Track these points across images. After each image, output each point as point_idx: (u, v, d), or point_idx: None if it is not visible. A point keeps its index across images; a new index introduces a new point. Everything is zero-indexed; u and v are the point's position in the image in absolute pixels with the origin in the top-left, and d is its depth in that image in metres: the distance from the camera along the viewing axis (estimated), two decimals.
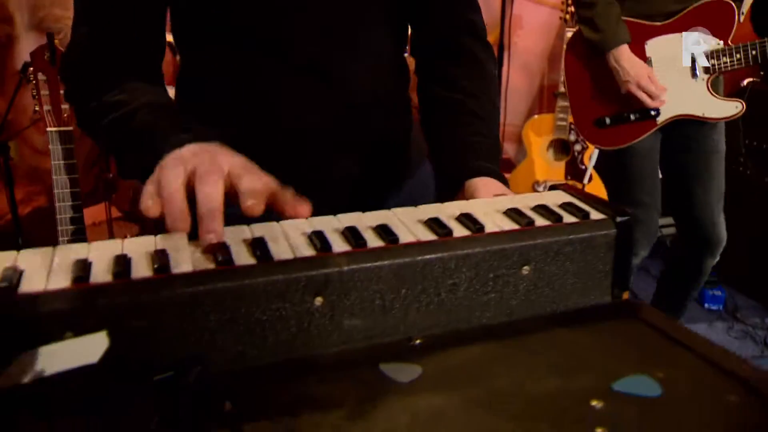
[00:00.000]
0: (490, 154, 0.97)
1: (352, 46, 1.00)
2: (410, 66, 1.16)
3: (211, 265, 0.60)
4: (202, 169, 0.66)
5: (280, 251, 0.62)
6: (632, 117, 2.06)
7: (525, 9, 3.89)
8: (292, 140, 0.98)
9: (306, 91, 0.98)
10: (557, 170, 3.33)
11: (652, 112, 2.02)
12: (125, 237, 0.66)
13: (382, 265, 0.62)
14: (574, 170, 3.30)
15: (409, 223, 0.69)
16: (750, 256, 2.83)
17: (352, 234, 0.64)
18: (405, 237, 0.65)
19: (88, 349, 0.55)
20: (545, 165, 3.34)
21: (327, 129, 1.01)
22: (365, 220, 0.69)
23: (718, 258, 2.20)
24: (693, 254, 2.22)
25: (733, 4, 1.94)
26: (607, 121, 2.09)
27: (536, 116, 3.50)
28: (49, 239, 3.09)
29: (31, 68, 1.88)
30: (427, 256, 0.63)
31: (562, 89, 3.21)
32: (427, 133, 1.08)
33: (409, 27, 1.13)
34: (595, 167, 3.01)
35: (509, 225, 0.69)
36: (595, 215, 0.71)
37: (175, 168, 0.67)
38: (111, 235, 3.16)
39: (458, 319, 0.66)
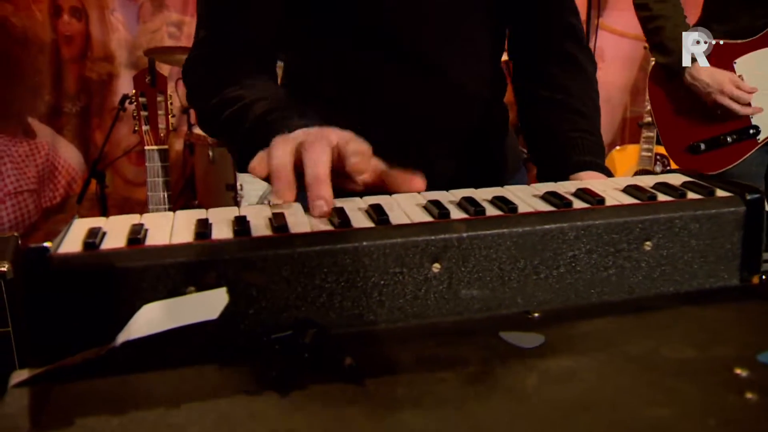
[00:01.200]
0: (594, 150, 0.95)
1: (455, 43, 1.00)
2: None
3: (329, 228, 0.59)
4: (310, 140, 0.66)
5: (397, 217, 0.61)
6: (729, 139, 1.97)
7: (607, 41, 3.85)
8: (394, 133, 0.99)
9: (409, 85, 0.98)
10: None
11: (751, 131, 1.93)
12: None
13: (502, 233, 0.60)
14: None
15: (525, 197, 0.67)
16: None
17: (469, 203, 0.63)
18: (523, 208, 0.64)
19: (208, 304, 0.55)
20: None
21: (428, 125, 1.01)
22: (480, 194, 0.68)
23: None
24: None
25: None
26: (702, 146, 2.01)
27: (619, 147, 3.42)
28: None
29: (133, 91, 1.97)
30: (547, 226, 0.61)
31: (646, 119, 3.14)
32: (528, 132, 1.07)
33: (507, 30, 1.13)
34: None
35: (630, 201, 0.66)
36: (721, 193, 0.68)
37: (284, 142, 0.68)
38: None
39: (577, 294, 0.63)
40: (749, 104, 1.91)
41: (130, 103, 2.72)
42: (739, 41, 1.94)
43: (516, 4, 1.06)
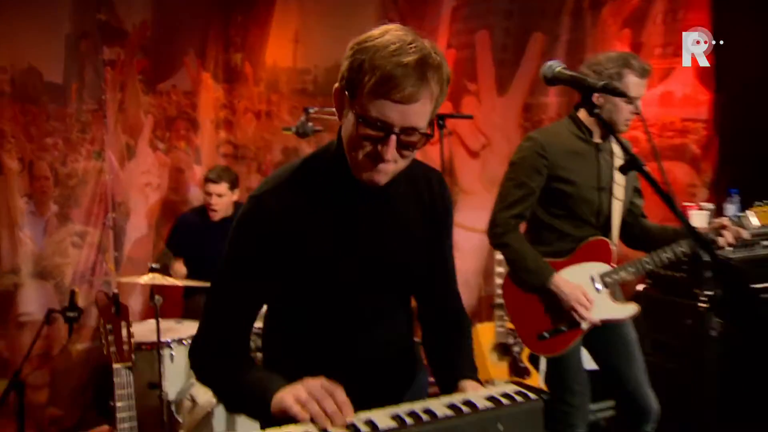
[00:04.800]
0: (472, 370, 1.57)
1: (380, 325, 1.61)
2: None
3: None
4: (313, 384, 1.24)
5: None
6: (564, 329, 2.66)
7: (461, 235, 4.66)
8: (345, 372, 1.51)
9: (352, 349, 1.57)
10: (502, 369, 3.91)
11: (579, 323, 2.63)
12: None
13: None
14: (516, 368, 3.90)
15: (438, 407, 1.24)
16: None
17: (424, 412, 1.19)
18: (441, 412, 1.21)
19: None
20: (491, 366, 3.92)
21: (365, 366, 1.58)
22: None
23: (655, 425, 2.74)
24: (634, 425, 2.76)
25: (608, 241, 2.68)
26: (546, 335, 2.66)
27: (478, 325, 4.11)
28: None
29: (102, 319, 2.40)
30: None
31: (497, 301, 3.89)
32: (432, 358, 1.68)
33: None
34: (530, 361, 3.68)
35: (483, 405, 1.25)
36: (531, 395, 1.28)
37: (293, 389, 1.25)
38: None
39: None
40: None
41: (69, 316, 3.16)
42: (557, 260, 2.69)
43: (421, 299, 1.71)
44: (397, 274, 1.59)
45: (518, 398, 1.28)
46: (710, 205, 3.68)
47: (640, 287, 3.74)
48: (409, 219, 1.61)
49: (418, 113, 1.35)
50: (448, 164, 4.71)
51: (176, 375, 3.42)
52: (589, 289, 2.66)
